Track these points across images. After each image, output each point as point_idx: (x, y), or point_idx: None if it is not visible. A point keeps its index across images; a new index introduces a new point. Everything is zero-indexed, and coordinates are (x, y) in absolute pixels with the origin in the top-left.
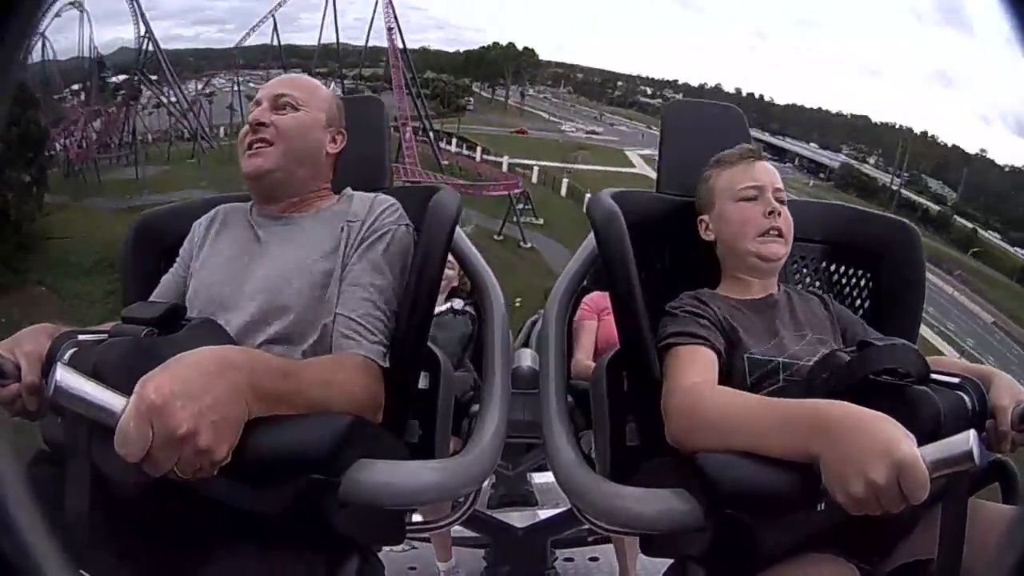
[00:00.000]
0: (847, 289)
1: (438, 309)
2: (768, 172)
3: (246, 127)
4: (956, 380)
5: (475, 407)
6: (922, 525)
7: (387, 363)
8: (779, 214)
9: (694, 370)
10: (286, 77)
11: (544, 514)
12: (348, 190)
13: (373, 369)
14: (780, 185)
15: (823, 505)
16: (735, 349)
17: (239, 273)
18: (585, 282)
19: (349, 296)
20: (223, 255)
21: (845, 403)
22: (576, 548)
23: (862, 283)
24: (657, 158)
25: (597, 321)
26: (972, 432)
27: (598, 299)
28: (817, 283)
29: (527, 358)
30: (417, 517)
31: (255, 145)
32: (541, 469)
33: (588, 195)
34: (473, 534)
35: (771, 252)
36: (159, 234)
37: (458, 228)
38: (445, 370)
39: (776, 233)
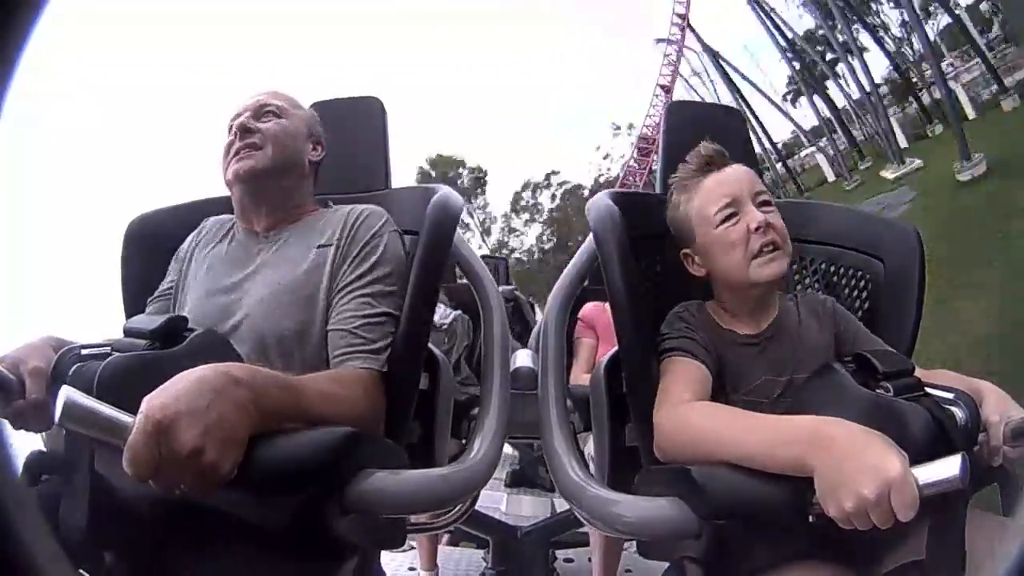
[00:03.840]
0: (846, 291)
1: None
2: (739, 178)
3: (231, 136)
4: (949, 395)
5: (474, 409)
6: (917, 529)
7: (386, 370)
8: (768, 225)
9: (686, 386)
10: (265, 90)
11: (560, 506)
12: (331, 205)
13: (374, 382)
14: (760, 187)
15: (814, 517)
16: (719, 387)
17: (229, 297)
18: (586, 282)
19: (345, 310)
20: (210, 283)
21: (840, 420)
22: (576, 549)
23: (861, 284)
24: (659, 159)
25: (596, 339)
26: (961, 455)
27: (592, 313)
28: (816, 285)
29: (525, 359)
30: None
31: (243, 150)
32: None
33: None
34: (473, 534)
35: (772, 273)
36: (156, 236)
37: (458, 230)
38: (444, 371)
39: (771, 248)
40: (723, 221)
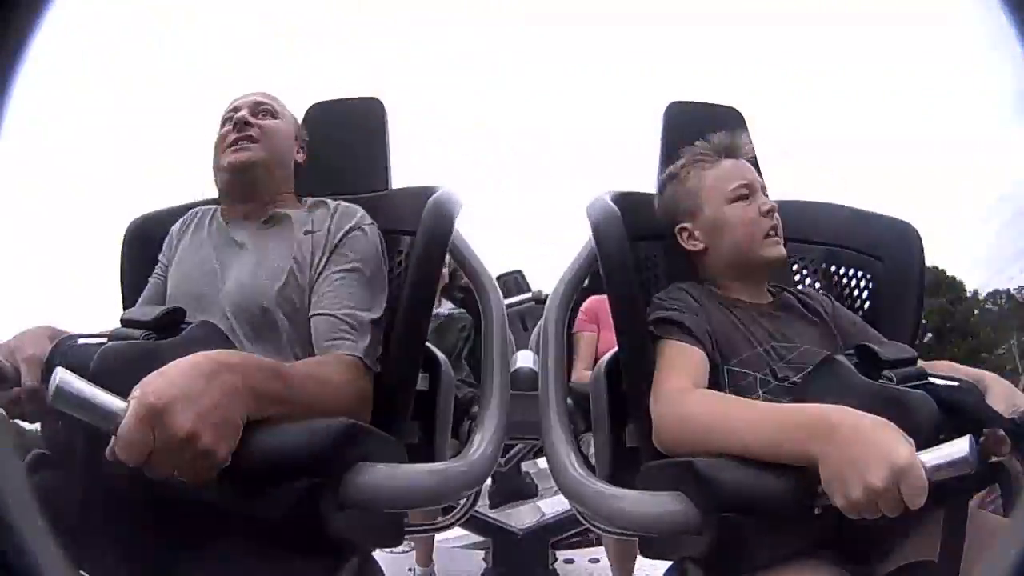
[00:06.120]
0: (847, 290)
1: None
2: (751, 169)
3: (227, 127)
4: (954, 384)
5: (474, 408)
6: (921, 527)
7: (373, 360)
8: (775, 212)
9: (683, 372)
10: (258, 89)
11: (546, 509)
12: (312, 198)
13: (359, 367)
14: (763, 182)
15: (820, 509)
16: (715, 357)
17: (214, 277)
18: (585, 283)
19: (327, 297)
20: (197, 258)
21: (844, 407)
22: (576, 550)
23: (862, 284)
24: (659, 159)
25: (597, 332)
26: (969, 437)
27: (595, 305)
28: (816, 284)
29: (526, 359)
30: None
31: (240, 141)
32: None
33: None
34: (473, 535)
35: (779, 254)
36: (154, 237)
37: (457, 227)
38: (445, 371)
39: (775, 233)
40: (737, 199)
